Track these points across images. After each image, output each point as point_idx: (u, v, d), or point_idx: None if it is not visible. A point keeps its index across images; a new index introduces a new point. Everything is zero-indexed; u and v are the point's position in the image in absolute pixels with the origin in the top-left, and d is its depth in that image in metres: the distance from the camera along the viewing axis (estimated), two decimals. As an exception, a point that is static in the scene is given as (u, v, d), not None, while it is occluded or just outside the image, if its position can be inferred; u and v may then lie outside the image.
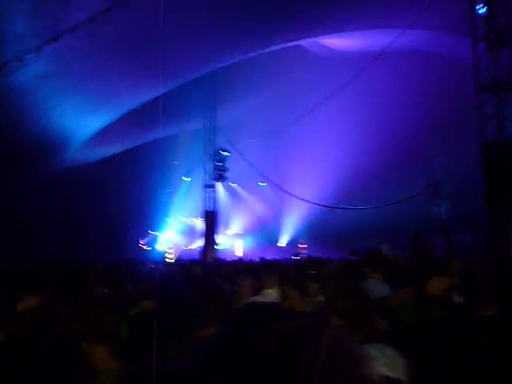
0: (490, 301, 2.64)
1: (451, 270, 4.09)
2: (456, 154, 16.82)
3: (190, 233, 24.95)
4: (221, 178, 20.61)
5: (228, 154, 20.24)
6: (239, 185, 25.52)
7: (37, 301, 2.91)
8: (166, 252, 22.88)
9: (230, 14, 12.56)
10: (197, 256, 18.59)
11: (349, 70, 16.27)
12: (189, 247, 24.50)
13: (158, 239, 24.73)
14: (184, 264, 8.96)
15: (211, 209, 20.46)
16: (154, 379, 1.32)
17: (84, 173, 17.68)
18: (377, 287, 3.84)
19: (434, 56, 17.25)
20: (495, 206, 10.11)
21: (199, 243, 21.09)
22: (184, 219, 25.52)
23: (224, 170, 20.35)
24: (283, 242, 25.11)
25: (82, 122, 15.82)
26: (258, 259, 12.80)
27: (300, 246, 23.01)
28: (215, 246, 19.77)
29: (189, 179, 24.59)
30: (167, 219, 24.73)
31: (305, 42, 18.22)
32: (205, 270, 6.81)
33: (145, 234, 23.86)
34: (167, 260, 19.37)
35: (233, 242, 25.52)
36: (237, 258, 17.96)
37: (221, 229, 21.88)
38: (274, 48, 16.46)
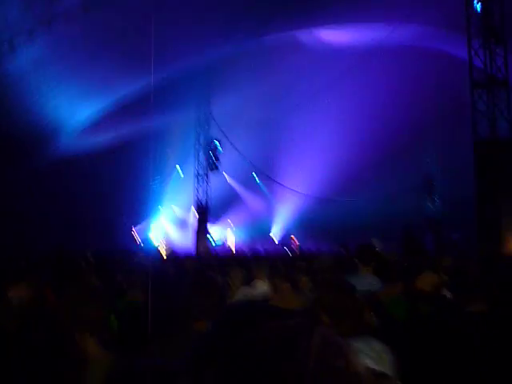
0: (480, 297, 2.67)
1: (442, 266, 4.14)
2: (449, 151, 16.89)
3: (182, 223, 24.91)
4: (213, 167, 20.55)
5: (219, 147, 20.13)
6: (231, 176, 25.47)
7: (27, 287, 2.89)
8: (157, 242, 22.83)
9: (223, 2, 12.53)
10: (189, 247, 18.58)
11: (343, 62, 16.24)
12: (181, 238, 24.45)
13: (151, 227, 24.66)
14: (176, 256, 8.94)
15: (203, 200, 20.43)
16: (148, 376, 1.32)
17: (79, 163, 17.62)
18: (367, 280, 3.89)
19: (428, 52, 17.23)
20: (486, 203, 10.22)
21: (191, 234, 21.08)
22: (176, 209, 25.46)
23: (217, 158, 20.28)
24: (275, 233, 25.16)
25: (76, 108, 15.76)
26: (249, 251, 12.82)
27: (292, 237, 23.09)
28: (207, 236, 19.77)
29: (180, 170, 24.50)
30: (159, 207, 24.63)
31: (299, 34, 18.13)
32: (197, 262, 6.82)
33: (138, 222, 23.80)
34: (159, 250, 19.34)
35: (225, 234, 25.53)
36: (229, 250, 17.99)
37: (213, 220, 21.88)
38: (268, 38, 16.41)
